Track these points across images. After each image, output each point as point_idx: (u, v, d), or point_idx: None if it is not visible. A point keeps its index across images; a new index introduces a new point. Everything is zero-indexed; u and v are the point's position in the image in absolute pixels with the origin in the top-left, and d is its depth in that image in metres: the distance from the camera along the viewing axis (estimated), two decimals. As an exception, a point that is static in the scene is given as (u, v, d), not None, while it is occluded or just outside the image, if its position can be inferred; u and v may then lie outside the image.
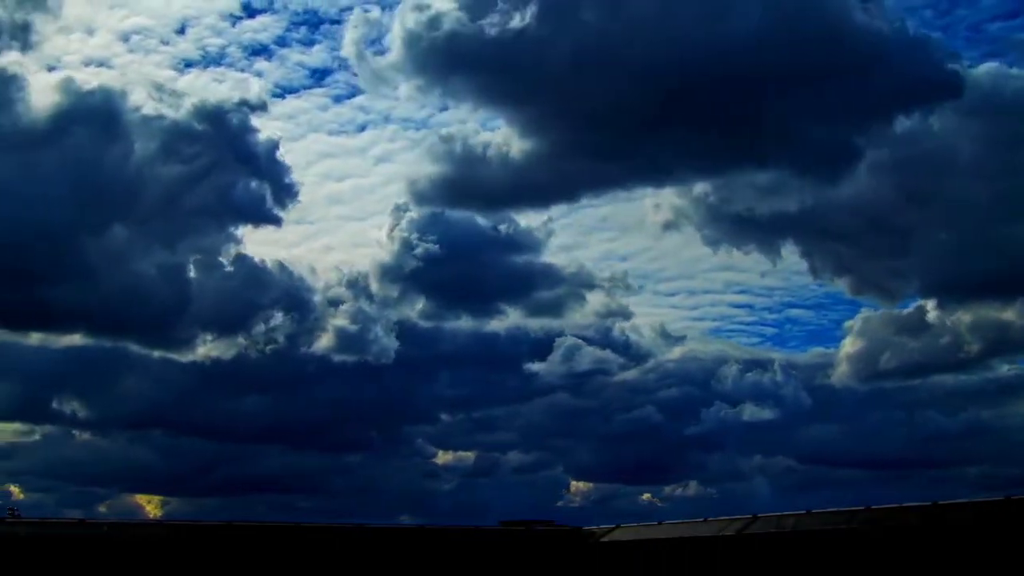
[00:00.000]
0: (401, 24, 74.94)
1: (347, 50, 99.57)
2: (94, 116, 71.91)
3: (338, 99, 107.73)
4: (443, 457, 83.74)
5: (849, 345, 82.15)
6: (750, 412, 79.25)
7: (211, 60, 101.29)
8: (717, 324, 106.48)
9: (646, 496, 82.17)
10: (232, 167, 77.61)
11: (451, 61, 75.31)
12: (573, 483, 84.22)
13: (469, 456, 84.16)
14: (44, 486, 78.14)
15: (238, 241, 78.54)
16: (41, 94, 71.18)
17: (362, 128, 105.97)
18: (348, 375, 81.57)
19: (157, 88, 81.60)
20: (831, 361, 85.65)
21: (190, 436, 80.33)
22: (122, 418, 78.09)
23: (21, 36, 72.61)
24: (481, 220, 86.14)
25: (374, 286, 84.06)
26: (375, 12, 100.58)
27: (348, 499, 80.00)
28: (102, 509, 73.29)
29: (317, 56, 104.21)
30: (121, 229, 71.84)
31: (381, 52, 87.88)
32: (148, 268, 72.85)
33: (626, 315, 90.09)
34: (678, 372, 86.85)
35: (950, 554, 31.51)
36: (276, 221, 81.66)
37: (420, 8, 72.47)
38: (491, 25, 68.93)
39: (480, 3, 69.63)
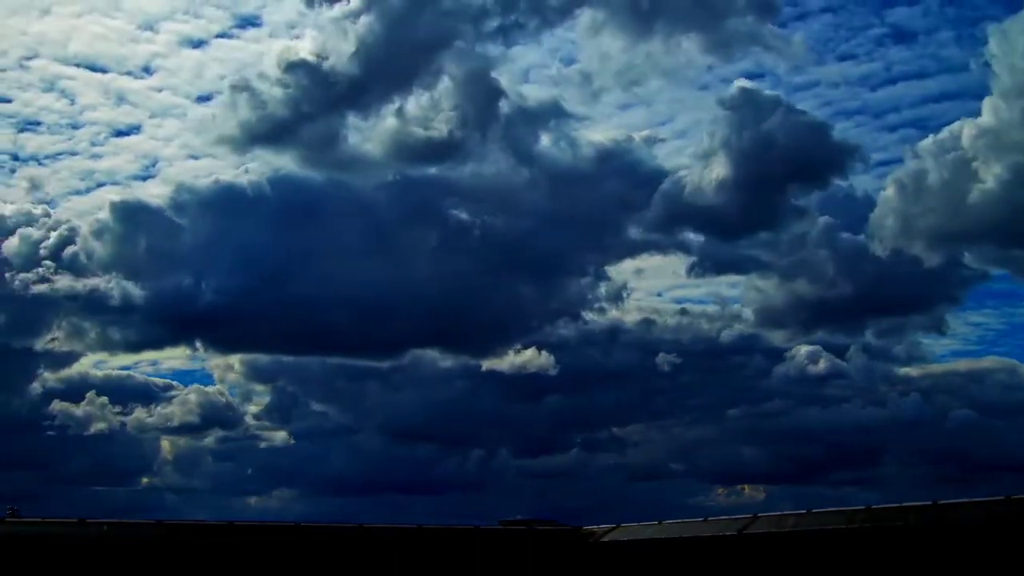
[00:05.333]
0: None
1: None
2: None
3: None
4: (606, 458, 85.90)
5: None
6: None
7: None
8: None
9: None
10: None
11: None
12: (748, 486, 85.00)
13: (622, 458, 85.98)
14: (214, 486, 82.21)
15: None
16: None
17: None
18: (608, 383, 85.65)
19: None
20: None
21: (409, 440, 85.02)
22: (379, 425, 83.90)
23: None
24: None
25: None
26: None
27: (496, 498, 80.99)
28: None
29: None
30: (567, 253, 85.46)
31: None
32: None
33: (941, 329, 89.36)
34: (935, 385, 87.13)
35: (950, 554, 31.50)
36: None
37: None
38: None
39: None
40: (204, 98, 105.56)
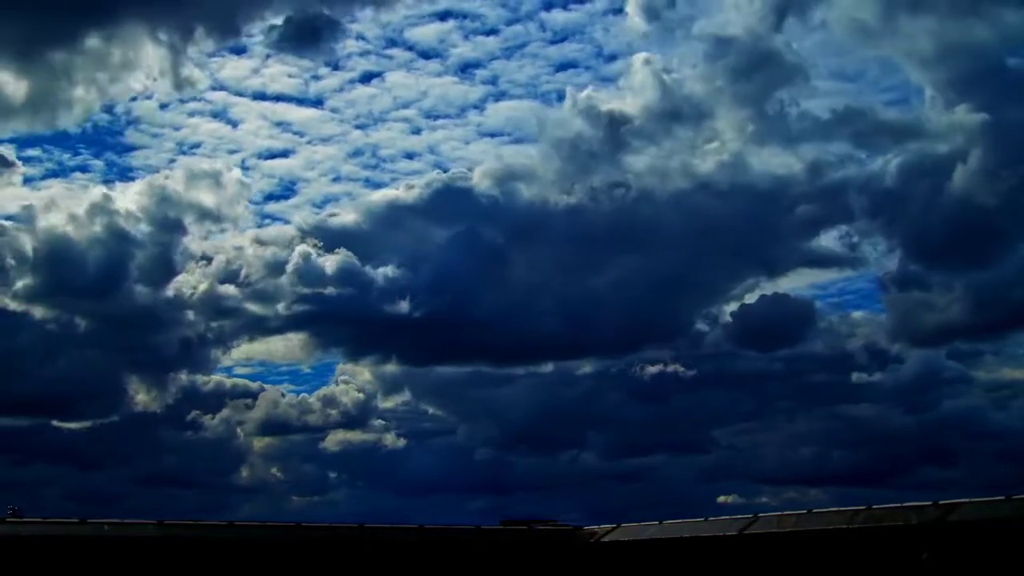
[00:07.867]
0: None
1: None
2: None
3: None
4: (685, 460, 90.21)
5: None
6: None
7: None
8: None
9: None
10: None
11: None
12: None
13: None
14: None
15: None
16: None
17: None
18: (727, 389, 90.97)
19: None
20: None
21: (504, 443, 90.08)
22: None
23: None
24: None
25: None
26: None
27: (556, 499, 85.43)
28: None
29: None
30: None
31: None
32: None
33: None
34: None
35: (951, 554, 31.48)
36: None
37: None
38: None
39: None
40: (363, 127, 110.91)
